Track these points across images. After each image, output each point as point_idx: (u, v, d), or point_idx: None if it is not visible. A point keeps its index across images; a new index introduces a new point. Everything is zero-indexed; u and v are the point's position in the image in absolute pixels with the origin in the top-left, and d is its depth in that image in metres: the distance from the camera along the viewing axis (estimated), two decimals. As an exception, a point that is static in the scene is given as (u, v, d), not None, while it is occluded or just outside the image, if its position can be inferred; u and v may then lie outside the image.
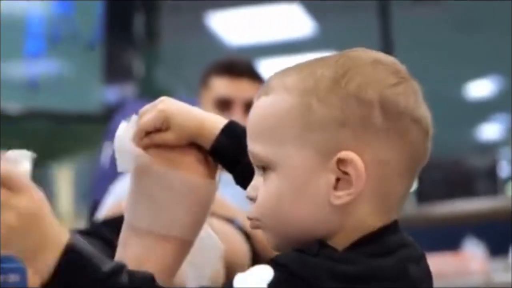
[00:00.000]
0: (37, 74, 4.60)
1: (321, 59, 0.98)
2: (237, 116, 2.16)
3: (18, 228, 0.84)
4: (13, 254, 1.03)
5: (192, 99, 2.28)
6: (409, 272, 0.92)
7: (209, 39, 5.51)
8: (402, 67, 0.98)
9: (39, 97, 4.43)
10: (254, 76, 2.22)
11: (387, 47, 5.03)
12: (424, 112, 0.96)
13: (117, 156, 1.07)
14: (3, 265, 1.00)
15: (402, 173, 0.97)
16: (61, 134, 4.91)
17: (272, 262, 0.89)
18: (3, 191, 0.84)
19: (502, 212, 3.43)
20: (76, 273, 0.86)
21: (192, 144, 1.08)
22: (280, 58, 5.60)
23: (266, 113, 0.97)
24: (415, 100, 0.96)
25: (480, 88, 5.83)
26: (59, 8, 4.58)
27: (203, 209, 1.07)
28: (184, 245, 1.06)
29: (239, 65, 2.21)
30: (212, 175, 1.08)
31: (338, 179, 0.92)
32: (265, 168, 0.96)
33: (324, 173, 0.92)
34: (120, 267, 0.87)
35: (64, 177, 4.16)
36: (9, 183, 0.84)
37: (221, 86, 2.19)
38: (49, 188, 4.39)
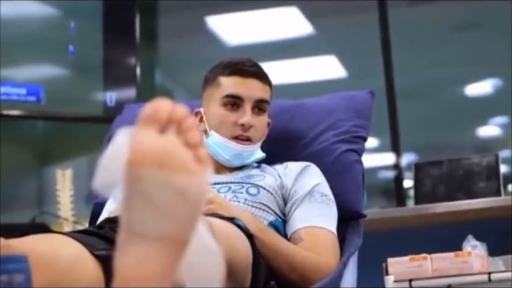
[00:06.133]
0: (39, 77, 4.62)
1: None
2: (247, 114, 2.17)
3: None
4: (19, 254, 1.03)
5: (192, 102, 2.28)
6: None
7: (208, 42, 5.50)
8: None
9: (40, 99, 4.44)
10: (263, 76, 2.23)
11: (385, 49, 5.03)
12: None
13: (101, 168, 1.07)
14: (9, 265, 1.00)
15: None
16: (61, 136, 4.92)
17: None
18: None
19: (503, 211, 3.43)
20: None
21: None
22: (279, 60, 5.60)
23: None
24: None
25: (480, 88, 5.83)
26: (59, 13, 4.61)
27: (196, 208, 1.06)
28: (181, 245, 1.05)
29: (249, 65, 2.22)
30: (203, 172, 1.07)
31: None
32: None
33: None
34: None
35: (65, 179, 4.15)
36: None
37: (232, 84, 2.19)
38: (50, 190, 4.39)
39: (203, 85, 2.28)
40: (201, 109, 2.25)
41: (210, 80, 2.25)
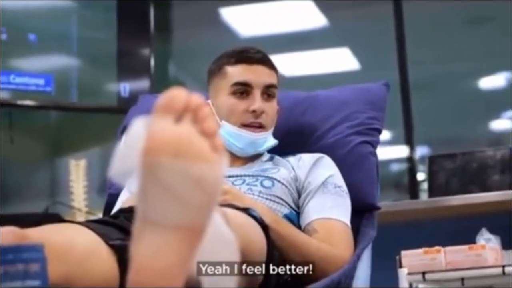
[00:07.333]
0: (53, 67, 4.63)
1: None
2: (257, 101, 2.16)
3: None
4: (34, 244, 1.03)
5: (206, 93, 2.27)
6: None
7: (222, 33, 5.50)
8: None
9: (54, 90, 4.46)
10: (268, 62, 2.22)
11: (399, 42, 5.02)
12: None
13: (117, 157, 1.06)
14: (24, 255, 1.00)
15: None
16: (75, 127, 4.93)
17: None
18: None
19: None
20: None
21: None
22: (292, 52, 5.59)
23: None
24: None
25: (494, 81, 5.82)
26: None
27: (212, 196, 1.06)
28: (197, 234, 1.05)
29: (254, 52, 2.21)
30: (219, 160, 1.06)
31: None
32: None
33: None
34: None
35: (78, 169, 4.16)
36: None
37: (239, 72, 2.18)
38: (63, 180, 4.41)
39: (208, 77, 2.26)
40: (209, 101, 2.24)
41: (215, 71, 2.23)
